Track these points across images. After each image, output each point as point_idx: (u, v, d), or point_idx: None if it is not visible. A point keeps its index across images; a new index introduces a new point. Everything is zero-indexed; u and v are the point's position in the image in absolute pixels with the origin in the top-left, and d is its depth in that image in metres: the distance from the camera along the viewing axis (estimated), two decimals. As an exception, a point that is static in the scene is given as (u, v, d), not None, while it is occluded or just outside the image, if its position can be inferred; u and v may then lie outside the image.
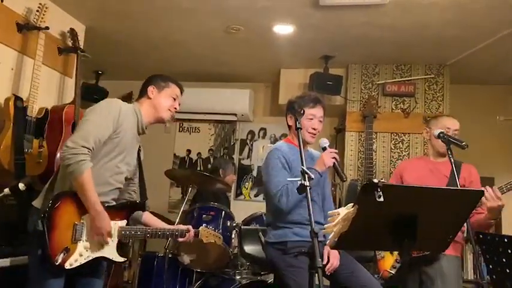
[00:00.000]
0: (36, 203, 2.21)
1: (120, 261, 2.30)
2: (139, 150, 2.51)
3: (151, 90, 2.45)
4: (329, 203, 2.79)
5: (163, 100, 2.45)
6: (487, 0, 3.19)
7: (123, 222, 2.33)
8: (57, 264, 2.04)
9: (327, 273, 2.48)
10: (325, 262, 2.48)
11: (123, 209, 2.37)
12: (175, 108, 2.50)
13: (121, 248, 2.33)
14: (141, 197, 2.52)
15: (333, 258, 2.50)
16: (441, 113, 4.31)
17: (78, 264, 2.12)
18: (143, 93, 2.48)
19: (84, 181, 2.08)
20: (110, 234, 2.21)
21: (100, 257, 2.22)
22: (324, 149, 2.53)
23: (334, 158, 2.47)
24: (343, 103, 4.66)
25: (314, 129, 2.61)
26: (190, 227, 2.58)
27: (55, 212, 2.08)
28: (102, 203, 2.18)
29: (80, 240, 2.14)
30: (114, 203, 2.33)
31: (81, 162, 2.07)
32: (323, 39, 4.09)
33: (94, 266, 2.26)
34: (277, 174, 2.53)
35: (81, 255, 2.13)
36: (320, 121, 2.65)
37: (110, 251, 2.26)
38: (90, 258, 2.18)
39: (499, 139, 4.69)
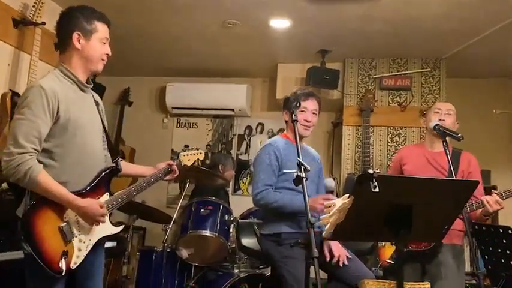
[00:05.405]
0: (19, 211, 1.93)
1: (119, 230, 2.14)
2: (97, 104, 2.17)
3: (76, 38, 2.00)
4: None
5: (95, 49, 2.05)
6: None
7: (106, 196, 2.10)
8: (63, 273, 1.89)
9: (340, 264, 2.52)
10: (328, 259, 2.51)
11: (100, 183, 2.08)
12: (108, 54, 2.13)
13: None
14: (112, 155, 2.19)
15: (336, 251, 2.53)
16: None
17: (82, 258, 1.99)
18: (66, 43, 2.01)
19: (45, 186, 1.85)
20: (103, 214, 1.99)
21: (100, 239, 2.07)
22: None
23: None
24: (340, 97, 4.67)
25: (307, 121, 2.61)
26: (170, 161, 2.39)
27: (34, 229, 1.86)
28: (74, 192, 1.95)
29: (72, 237, 1.96)
30: (87, 187, 2.03)
31: (29, 171, 1.81)
32: (319, 34, 4.09)
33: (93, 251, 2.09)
34: (262, 170, 2.62)
35: (80, 250, 1.98)
36: (314, 113, 2.65)
37: (106, 229, 2.09)
38: (91, 246, 2.03)
39: (495, 132, 4.71)
